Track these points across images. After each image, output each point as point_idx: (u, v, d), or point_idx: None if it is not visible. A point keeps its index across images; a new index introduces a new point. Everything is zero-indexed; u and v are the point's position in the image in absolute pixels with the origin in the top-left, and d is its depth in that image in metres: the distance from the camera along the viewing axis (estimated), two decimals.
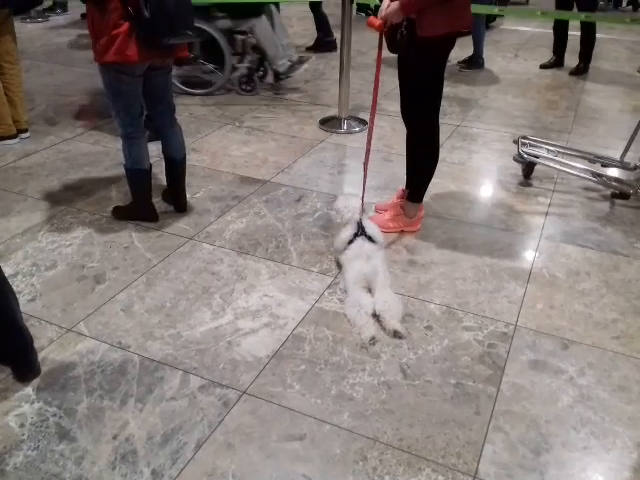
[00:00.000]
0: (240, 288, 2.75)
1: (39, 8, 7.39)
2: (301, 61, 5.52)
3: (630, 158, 3.77)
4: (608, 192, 3.64)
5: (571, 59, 6.17)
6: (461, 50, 5.81)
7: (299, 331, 2.48)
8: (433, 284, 2.80)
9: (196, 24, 2.93)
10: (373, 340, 2.41)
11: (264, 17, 5.12)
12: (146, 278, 2.79)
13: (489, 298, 2.71)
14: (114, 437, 1.99)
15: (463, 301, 2.69)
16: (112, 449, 1.95)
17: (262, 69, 5.37)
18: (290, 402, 2.14)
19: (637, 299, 2.72)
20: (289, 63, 5.35)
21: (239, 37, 5.10)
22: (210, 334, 2.46)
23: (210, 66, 5.17)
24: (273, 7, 5.33)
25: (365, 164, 3.01)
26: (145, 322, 2.52)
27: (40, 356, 2.28)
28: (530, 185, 3.78)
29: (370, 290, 2.60)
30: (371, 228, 2.86)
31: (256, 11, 5.06)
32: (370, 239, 2.79)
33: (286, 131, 4.59)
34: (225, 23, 5.06)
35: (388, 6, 2.65)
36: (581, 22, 5.45)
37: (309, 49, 6.87)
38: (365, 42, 5.87)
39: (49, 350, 2.35)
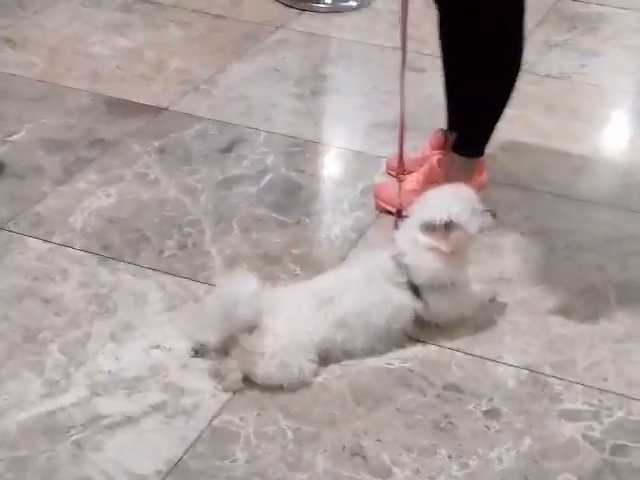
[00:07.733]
0: (103, 331, 1.74)
1: None
2: None
3: None
4: None
5: None
6: None
7: (224, 420, 1.50)
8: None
9: None
10: None
11: None
12: None
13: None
14: None
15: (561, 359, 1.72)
16: None
17: None
18: None
19: None
20: None
21: None
22: (39, 425, 1.51)
23: None
24: None
25: (401, 102, 2.05)
26: None
27: None
28: None
29: None
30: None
31: None
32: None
33: (206, 5, 3.19)
34: None
35: None
36: None
37: None
38: None
39: None
